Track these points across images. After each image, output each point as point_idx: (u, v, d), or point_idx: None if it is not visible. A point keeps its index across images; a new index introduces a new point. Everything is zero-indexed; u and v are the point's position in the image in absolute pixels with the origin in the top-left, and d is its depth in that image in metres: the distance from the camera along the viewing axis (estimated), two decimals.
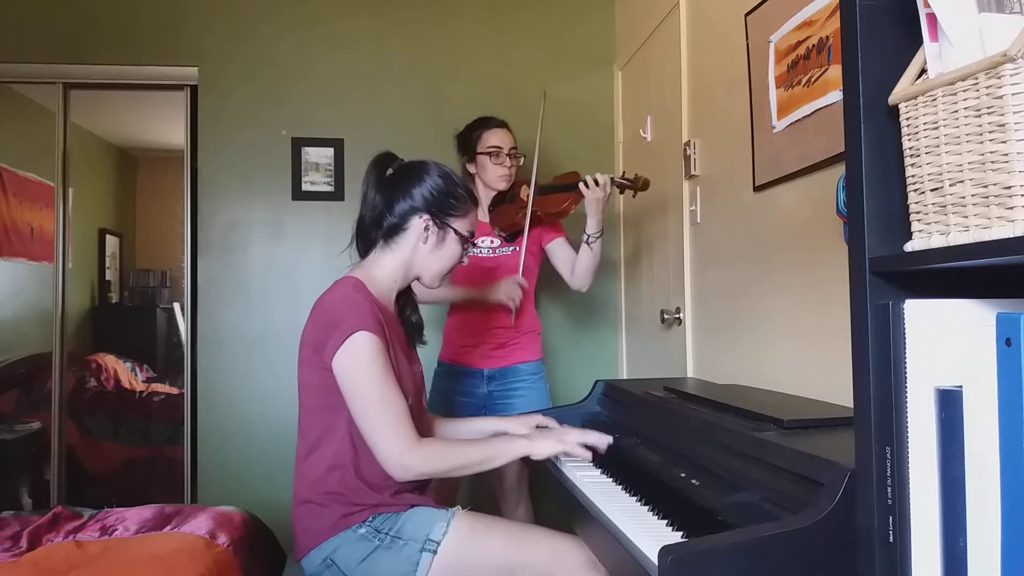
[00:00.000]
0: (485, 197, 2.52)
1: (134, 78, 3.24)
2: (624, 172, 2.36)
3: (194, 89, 3.21)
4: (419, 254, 1.68)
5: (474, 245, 1.77)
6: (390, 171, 1.70)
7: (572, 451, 1.60)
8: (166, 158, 4.86)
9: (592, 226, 2.35)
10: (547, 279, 2.64)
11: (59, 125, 3.31)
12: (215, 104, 3.18)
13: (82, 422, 4.18)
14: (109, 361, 4.69)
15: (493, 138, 2.48)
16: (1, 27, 3.14)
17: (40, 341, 3.65)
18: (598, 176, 2.29)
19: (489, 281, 2.45)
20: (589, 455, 1.61)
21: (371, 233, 1.70)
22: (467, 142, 2.53)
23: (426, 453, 1.52)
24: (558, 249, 2.51)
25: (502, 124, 2.52)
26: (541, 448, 1.61)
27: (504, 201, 2.49)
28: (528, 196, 2.42)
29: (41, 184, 3.77)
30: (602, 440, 1.61)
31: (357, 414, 1.52)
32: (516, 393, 2.46)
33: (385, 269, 1.68)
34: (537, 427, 1.81)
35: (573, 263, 2.47)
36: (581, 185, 2.30)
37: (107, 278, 5.23)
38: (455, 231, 1.69)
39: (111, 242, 5.26)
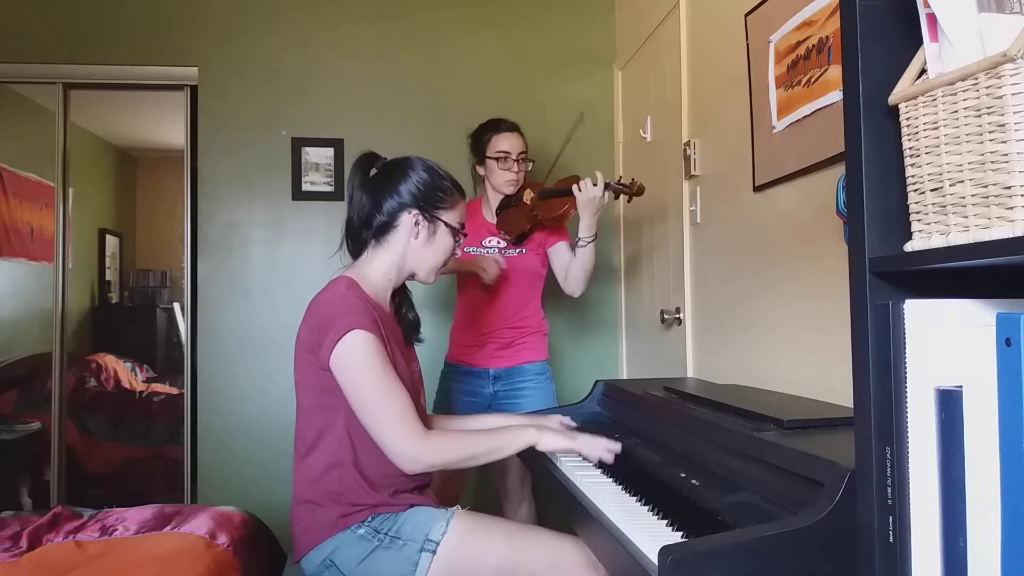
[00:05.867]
0: (493, 200, 2.52)
1: (134, 78, 3.24)
2: (620, 177, 2.33)
3: (194, 89, 3.21)
4: (411, 250, 1.68)
5: (465, 235, 1.76)
6: (374, 170, 1.70)
7: (581, 451, 1.59)
8: (166, 158, 4.86)
9: (584, 229, 2.31)
10: (548, 279, 2.64)
11: (59, 125, 3.31)
12: (215, 104, 3.18)
13: (82, 422, 4.17)
14: (109, 361, 4.69)
15: (503, 143, 2.46)
16: (1, 27, 3.14)
17: (40, 341, 3.65)
18: (596, 176, 2.25)
19: (497, 281, 2.44)
20: (595, 459, 1.59)
21: (361, 234, 1.70)
22: (477, 144, 2.51)
23: (434, 444, 1.52)
24: (558, 253, 2.49)
25: (513, 128, 2.49)
26: (549, 440, 1.60)
27: (511, 204, 2.49)
28: (531, 201, 2.41)
29: (41, 184, 3.77)
30: (608, 455, 1.58)
31: (361, 411, 1.52)
32: (522, 393, 2.46)
33: (379, 268, 1.68)
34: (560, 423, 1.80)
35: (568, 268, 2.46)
36: (574, 187, 2.26)
37: (107, 278, 5.22)
38: (445, 223, 1.69)
39: (111, 242, 5.26)
